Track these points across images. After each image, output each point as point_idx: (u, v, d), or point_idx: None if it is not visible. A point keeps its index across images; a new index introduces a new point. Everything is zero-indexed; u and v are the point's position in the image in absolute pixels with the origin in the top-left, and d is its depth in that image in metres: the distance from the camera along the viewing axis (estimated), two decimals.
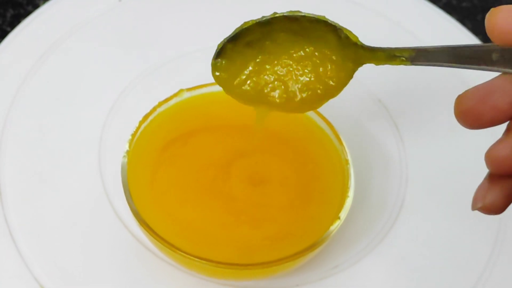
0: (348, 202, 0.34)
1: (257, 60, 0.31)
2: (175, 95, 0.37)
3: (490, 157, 0.25)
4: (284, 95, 0.31)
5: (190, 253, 0.31)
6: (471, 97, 0.25)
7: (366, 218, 0.40)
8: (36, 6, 0.48)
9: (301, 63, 0.31)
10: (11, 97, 0.42)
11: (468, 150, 0.43)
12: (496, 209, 0.26)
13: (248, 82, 0.31)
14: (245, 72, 0.31)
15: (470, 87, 0.26)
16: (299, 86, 0.31)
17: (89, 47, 0.46)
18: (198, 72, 0.43)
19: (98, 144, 0.41)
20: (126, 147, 0.35)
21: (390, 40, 0.49)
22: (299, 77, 0.31)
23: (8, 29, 0.47)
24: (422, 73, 0.46)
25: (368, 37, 0.48)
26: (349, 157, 0.36)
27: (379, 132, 0.44)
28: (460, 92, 0.26)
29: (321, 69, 0.31)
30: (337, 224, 0.33)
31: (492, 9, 0.25)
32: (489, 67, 0.25)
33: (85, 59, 0.45)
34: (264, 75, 0.31)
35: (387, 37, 0.49)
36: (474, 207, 0.27)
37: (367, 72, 0.45)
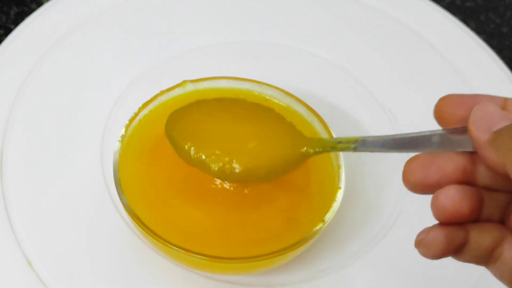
0: (335, 205, 0.34)
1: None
2: (178, 85, 0.37)
3: (434, 201, 0.26)
4: (225, 166, 0.32)
5: (177, 245, 0.31)
6: (420, 158, 0.27)
7: (360, 224, 0.39)
8: (39, 4, 0.48)
9: (251, 137, 0.33)
10: (14, 93, 0.42)
11: None
12: (436, 246, 0.26)
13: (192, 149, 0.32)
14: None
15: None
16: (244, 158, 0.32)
17: (93, 44, 0.46)
18: (204, 67, 0.43)
19: (101, 137, 0.41)
20: (122, 131, 0.35)
21: (393, 39, 0.49)
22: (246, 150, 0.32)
23: (12, 26, 0.47)
24: (434, 85, 0.47)
25: (372, 36, 0.49)
26: (341, 162, 0.36)
27: (379, 129, 0.44)
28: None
29: (268, 144, 0.33)
30: (320, 226, 0.33)
31: (440, 99, 0.28)
32: (429, 149, 0.28)
33: (88, 55, 0.45)
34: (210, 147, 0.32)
35: (390, 36, 0.49)
36: (417, 240, 0.27)
37: (376, 81, 0.46)
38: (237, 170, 0.31)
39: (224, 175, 0.32)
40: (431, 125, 0.44)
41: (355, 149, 0.31)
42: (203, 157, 0.32)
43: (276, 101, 0.39)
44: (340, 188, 0.35)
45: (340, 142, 0.32)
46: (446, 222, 0.26)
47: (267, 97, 0.39)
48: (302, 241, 0.33)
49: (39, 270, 0.35)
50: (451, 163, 0.26)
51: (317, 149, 0.32)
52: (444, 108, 0.27)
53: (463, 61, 0.48)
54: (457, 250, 0.26)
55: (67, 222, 0.37)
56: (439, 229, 0.26)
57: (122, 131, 0.35)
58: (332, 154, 0.36)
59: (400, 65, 0.48)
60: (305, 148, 0.32)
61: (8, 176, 0.39)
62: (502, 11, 0.55)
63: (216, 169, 0.32)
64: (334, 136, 0.37)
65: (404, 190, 0.40)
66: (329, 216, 0.34)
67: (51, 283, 0.35)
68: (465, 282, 0.38)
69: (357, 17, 0.50)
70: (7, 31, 0.47)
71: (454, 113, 0.27)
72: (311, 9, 0.50)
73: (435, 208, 0.26)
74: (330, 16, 0.50)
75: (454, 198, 0.25)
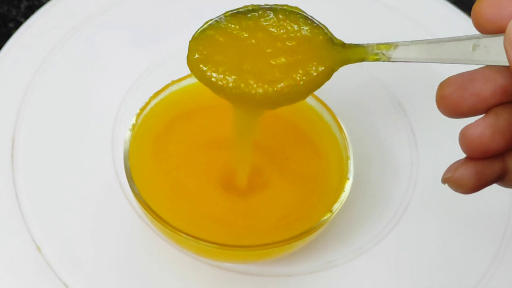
0: (343, 196, 0.34)
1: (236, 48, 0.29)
2: (190, 75, 0.38)
3: (462, 136, 0.24)
4: (263, 84, 0.28)
5: (185, 232, 0.32)
6: (452, 82, 0.25)
7: (368, 217, 0.40)
8: None
9: (280, 52, 0.29)
10: (25, 86, 0.43)
11: None
12: (465, 185, 0.24)
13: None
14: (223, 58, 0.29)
15: None
16: (278, 74, 0.28)
17: (103, 37, 0.46)
18: None
19: (112, 127, 0.42)
20: (133, 120, 0.35)
21: (400, 33, 0.49)
22: (278, 65, 0.29)
23: (22, 20, 0.47)
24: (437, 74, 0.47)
25: (379, 31, 0.49)
26: (350, 154, 0.36)
27: (394, 134, 0.44)
28: None
29: (300, 57, 0.29)
30: (327, 216, 0.33)
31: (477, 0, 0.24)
32: (471, 59, 0.24)
33: (98, 48, 0.46)
34: (243, 64, 0.29)
35: (397, 30, 0.50)
36: (443, 178, 0.25)
37: (388, 74, 0.46)
38: (274, 89, 0.28)
39: (264, 96, 0.28)
40: (449, 135, 0.43)
41: (389, 58, 0.27)
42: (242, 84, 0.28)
43: None
44: (348, 179, 0.35)
45: (372, 51, 0.28)
46: (477, 158, 0.24)
47: None
48: (309, 230, 0.33)
49: (48, 257, 0.36)
50: (487, 86, 0.24)
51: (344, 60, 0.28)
52: (481, 9, 0.23)
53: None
54: (496, 180, 0.24)
55: (77, 210, 0.38)
56: (468, 165, 0.24)
57: (133, 120, 0.35)
58: (342, 145, 0.36)
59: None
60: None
61: (19, 163, 0.39)
62: None
63: (259, 90, 0.28)
64: (344, 129, 0.37)
65: (413, 182, 0.41)
66: (336, 207, 0.34)
67: (60, 270, 0.35)
68: (474, 271, 0.38)
69: (363, 12, 0.51)
70: (18, 24, 0.47)
71: (492, 17, 0.23)
72: (325, 2, 0.50)
73: (464, 145, 0.24)
74: (345, 11, 0.50)
75: (483, 135, 0.23)
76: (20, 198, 0.38)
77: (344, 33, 0.47)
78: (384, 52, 0.27)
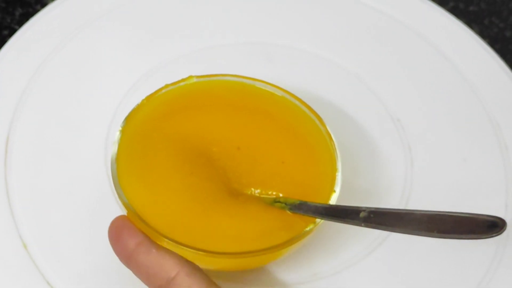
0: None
1: None
2: (184, 80, 0.38)
3: None
4: None
5: (167, 236, 0.32)
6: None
7: (357, 229, 0.39)
8: (44, 5, 0.49)
9: None
10: (20, 92, 0.43)
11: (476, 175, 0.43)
12: None
13: None
14: None
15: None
16: None
17: (97, 45, 0.46)
18: (213, 66, 0.43)
19: (107, 131, 0.42)
20: (123, 123, 0.35)
21: (396, 41, 0.49)
22: None
23: (17, 27, 0.47)
24: (442, 94, 0.47)
25: (376, 39, 0.49)
26: (339, 166, 0.36)
27: (389, 147, 0.43)
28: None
29: None
30: (310, 227, 0.33)
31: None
32: (355, 222, 0.31)
33: (93, 56, 0.46)
34: None
35: (393, 38, 0.49)
36: None
37: (386, 90, 0.46)
38: None
39: None
40: (444, 151, 0.44)
41: (290, 210, 0.34)
42: None
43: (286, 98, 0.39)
44: (334, 191, 0.35)
45: (277, 202, 0.34)
46: None
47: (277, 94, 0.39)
48: (291, 240, 0.33)
49: (34, 255, 0.36)
50: None
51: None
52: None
53: (468, 64, 0.48)
54: None
55: (68, 210, 0.38)
56: None
57: (123, 123, 0.35)
58: (329, 157, 0.36)
59: (405, 68, 0.48)
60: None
61: (12, 163, 0.40)
62: (505, 15, 0.54)
63: None
64: (334, 138, 0.37)
65: (405, 198, 0.41)
66: (319, 220, 0.34)
67: (46, 269, 0.36)
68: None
69: (360, 19, 0.50)
70: (12, 31, 0.47)
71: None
72: (326, 14, 0.50)
73: None
74: (341, 21, 0.50)
75: None
76: (12, 198, 0.38)
77: (341, 40, 0.48)
78: (288, 204, 0.34)
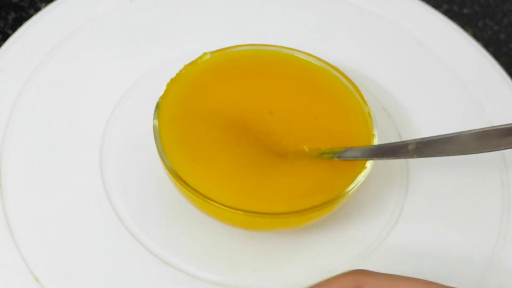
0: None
1: None
2: (199, 58, 0.39)
3: None
4: None
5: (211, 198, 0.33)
6: None
7: (361, 227, 0.40)
8: (37, 9, 0.48)
9: None
10: (13, 99, 0.42)
11: (473, 164, 0.43)
12: None
13: None
14: None
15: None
16: None
17: (92, 49, 0.46)
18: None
19: (100, 143, 0.41)
20: (156, 109, 0.37)
21: (392, 42, 0.49)
22: None
23: (10, 32, 0.47)
24: (427, 83, 0.47)
25: (369, 41, 0.49)
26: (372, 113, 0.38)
27: (378, 132, 0.44)
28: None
29: None
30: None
31: None
32: (407, 155, 0.32)
33: (87, 61, 0.45)
34: None
35: (388, 39, 0.50)
36: None
37: (373, 80, 0.46)
38: None
39: None
40: (430, 126, 0.44)
41: (338, 158, 0.34)
42: None
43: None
44: (374, 135, 0.37)
45: (323, 154, 0.35)
46: None
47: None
48: (351, 187, 0.34)
49: (35, 270, 0.36)
50: None
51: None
52: None
53: (461, 65, 0.48)
54: None
55: (65, 228, 0.37)
56: None
57: (155, 107, 0.37)
58: (360, 107, 0.38)
59: (400, 69, 0.48)
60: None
61: (7, 182, 0.39)
62: (499, 18, 0.55)
63: None
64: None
65: (398, 212, 0.41)
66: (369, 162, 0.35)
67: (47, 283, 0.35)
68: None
69: (354, 21, 0.51)
70: (5, 36, 0.46)
71: None
72: (316, 14, 0.50)
73: None
74: (330, 21, 0.50)
75: None
76: (8, 215, 0.38)
77: (339, 42, 0.48)
78: (334, 152, 0.35)
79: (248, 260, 0.37)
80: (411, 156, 0.32)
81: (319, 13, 0.50)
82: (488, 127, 0.31)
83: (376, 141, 0.36)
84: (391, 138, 0.44)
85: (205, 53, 0.39)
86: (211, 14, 0.49)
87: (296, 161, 0.35)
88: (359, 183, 0.35)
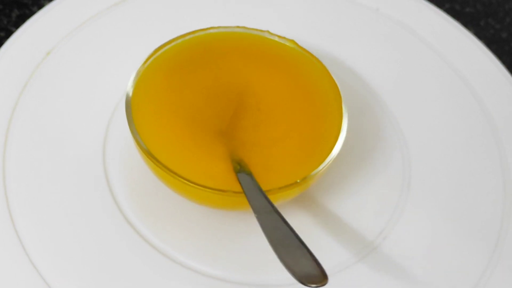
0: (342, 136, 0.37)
1: None
2: (189, 33, 0.41)
3: None
4: None
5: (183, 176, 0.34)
6: None
7: (361, 226, 0.40)
8: (41, 7, 0.49)
9: None
10: (16, 95, 0.43)
11: (471, 153, 0.44)
12: None
13: None
14: None
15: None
16: None
17: (95, 46, 0.46)
18: None
19: (103, 140, 0.41)
20: (134, 76, 0.38)
21: (392, 41, 0.49)
22: None
23: (13, 29, 0.47)
24: (429, 81, 0.47)
25: (371, 39, 0.49)
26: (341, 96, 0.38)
27: (380, 131, 0.44)
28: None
29: None
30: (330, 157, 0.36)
31: None
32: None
33: (91, 57, 0.45)
34: None
35: (390, 38, 0.50)
36: None
37: (374, 78, 0.46)
38: None
39: None
40: (435, 126, 0.44)
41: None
42: None
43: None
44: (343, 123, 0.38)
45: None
46: None
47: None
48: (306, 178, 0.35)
49: (35, 260, 0.36)
50: None
51: None
52: None
53: (464, 63, 0.48)
54: None
55: (67, 218, 0.38)
56: None
57: (133, 76, 0.38)
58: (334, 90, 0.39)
59: (401, 67, 0.48)
60: None
61: (10, 171, 0.39)
62: (501, 16, 0.55)
63: None
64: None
65: (408, 183, 0.41)
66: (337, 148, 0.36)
67: (46, 272, 0.36)
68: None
69: (359, 19, 0.51)
70: (8, 33, 0.47)
71: None
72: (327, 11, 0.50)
73: None
74: (332, 18, 0.50)
75: None
76: (11, 207, 0.38)
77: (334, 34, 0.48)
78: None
79: (249, 257, 0.37)
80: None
81: (322, 11, 0.50)
82: None
83: (345, 118, 0.37)
84: (393, 135, 0.44)
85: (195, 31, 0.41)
86: (216, 13, 0.50)
87: (264, 140, 0.36)
88: (327, 165, 0.35)
